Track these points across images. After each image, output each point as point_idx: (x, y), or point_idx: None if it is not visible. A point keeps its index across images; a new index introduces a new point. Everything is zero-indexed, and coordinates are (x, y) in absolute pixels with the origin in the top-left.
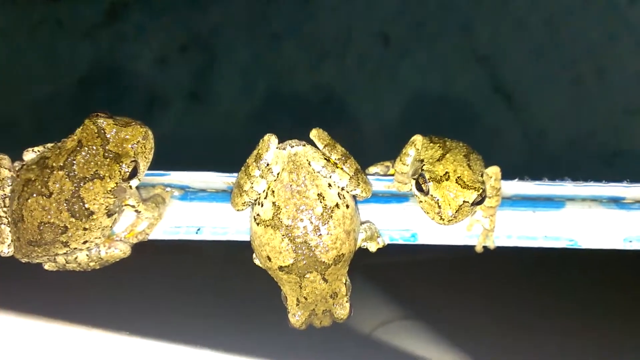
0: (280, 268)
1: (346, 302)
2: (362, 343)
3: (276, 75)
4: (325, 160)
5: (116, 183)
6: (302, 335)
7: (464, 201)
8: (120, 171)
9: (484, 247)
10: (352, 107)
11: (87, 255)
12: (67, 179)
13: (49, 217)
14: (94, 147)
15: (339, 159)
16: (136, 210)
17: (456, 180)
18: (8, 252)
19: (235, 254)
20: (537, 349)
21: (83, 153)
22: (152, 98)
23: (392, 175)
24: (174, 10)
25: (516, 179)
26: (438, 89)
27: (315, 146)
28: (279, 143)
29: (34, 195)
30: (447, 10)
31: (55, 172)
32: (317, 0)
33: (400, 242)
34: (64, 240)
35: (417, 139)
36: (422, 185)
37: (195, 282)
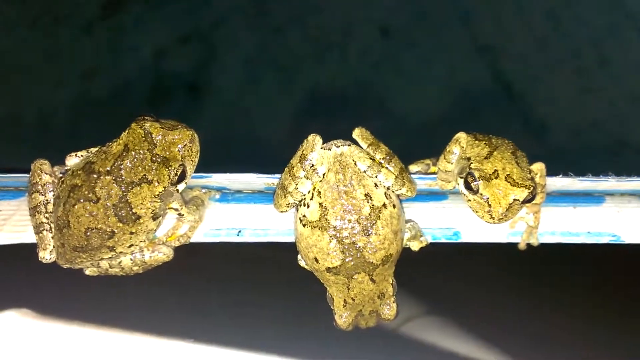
0: (328, 269)
1: (393, 302)
2: (389, 339)
3: (280, 67)
4: (371, 160)
5: (164, 187)
6: (328, 333)
7: (514, 199)
8: (168, 175)
9: (527, 244)
10: (356, 98)
11: (131, 259)
12: (115, 184)
13: (97, 222)
14: (142, 152)
15: (383, 158)
16: (179, 214)
17: (505, 178)
18: (50, 258)
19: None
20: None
21: (130, 157)
22: (153, 90)
23: (433, 173)
24: (175, 2)
25: (560, 175)
26: (440, 80)
27: (359, 145)
28: (320, 142)
29: (81, 201)
30: (450, 1)
31: (102, 177)
32: None
33: (443, 240)
34: (111, 245)
35: (462, 136)
36: (472, 184)
37: (233, 285)
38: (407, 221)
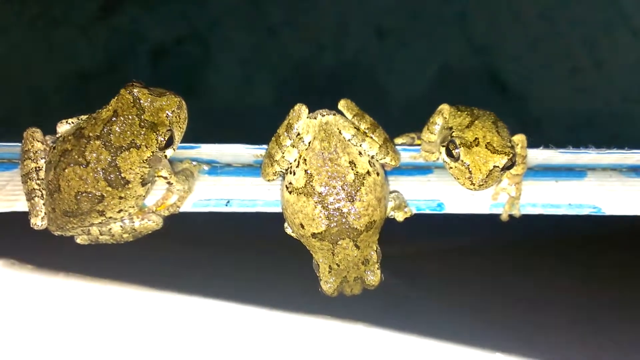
0: (313, 235)
1: (377, 268)
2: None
3: (274, 67)
4: (355, 129)
5: (152, 152)
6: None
7: (494, 166)
8: (156, 140)
9: (510, 215)
10: (350, 93)
11: (121, 226)
12: (104, 149)
13: (86, 186)
14: (130, 117)
15: (368, 128)
16: (168, 182)
17: (486, 145)
18: (42, 224)
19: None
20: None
21: (119, 123)
22: None
23: (419, 145)
24: (171, 4)
25: (541, 147)
26: (435, 80)
27: (344, 116)
28: (306, 111)
29: (71, 165)
30: (444, 2)
31: (92, 141)
32: None
33: (427, 211)
34: (100, 209)
35: (445, 107)
36: (453, 151)
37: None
38: (391, 192)
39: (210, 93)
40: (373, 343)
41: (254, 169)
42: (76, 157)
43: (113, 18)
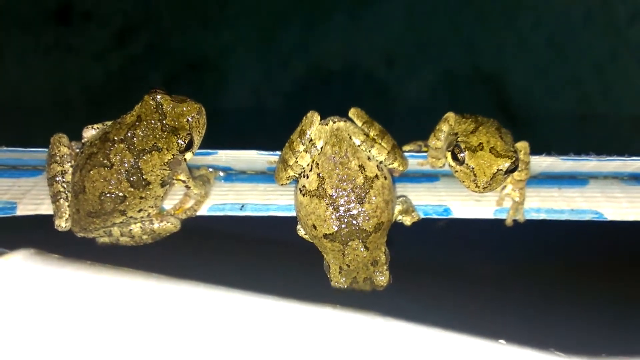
0: (325, 236)
1: (386, 270)
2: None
3: (285, 93)
4: (365, 136)
5: (173, 155)
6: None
7: (498, 169)
8: (177, 143)
9: (514, 220)
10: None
11: (141, 227)
12: (128, 151)
13: (110, 187)
14: (153, 122)
15: (377, 135)
16: (186, 186)
17: (490, 150)
18: (66, 226)
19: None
20: None
21: (143, 127)
22: None
23: (425, 152)
24: (184, 32)
25: (544, 154)
26: (443, 108)
27: (355, 123)
28: (318, 118)
29: (96, 167)
30: (452, 30)
31: (116, 145)
32: (323, 22)
33: (434, 216)
34: (122, 209)
35: (450, 115)
36: (458, 155)
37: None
38: (398, 196)
39: (222, 112)
40: (387, 333)
41: (267, 176)
42: (101, 159)
43: (127, 46)
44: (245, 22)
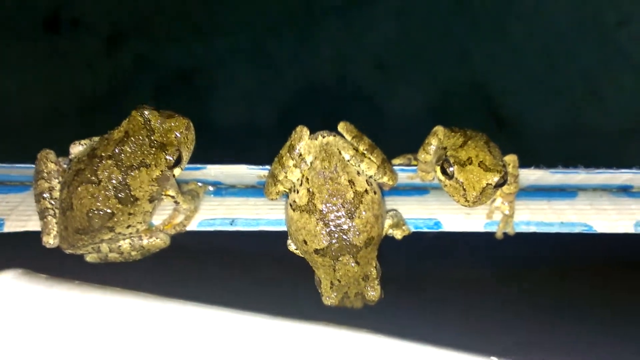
0: (316, 251)
1: (377, 284)
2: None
3: (276, 98)
4: (354, 150)
5: (161, 171)
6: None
7: (487, 183)
8: (165, 159)
9: (504, 233)
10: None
11: (130, 244)
12: (115, 168)
13: (98, 204)
14: (141, 137)
15: (366, 149)
16: (175, 201)
17: (479, 164)
18: (53, 242)
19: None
20: None
21: (130, 143)
22: None
23: (415, 166)
24: (175, 41)
25: (532, 167)
26: (435, 113)
27: (344, 138)
28: (307, 132)
29: (84, 183)
30: (444, 37)
31: (104, 161)
32: (315, 30)
33: (425, 230)
34: (110, 226)
35: (439, 129)
36: (447, 169)
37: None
38: (389, 210)
39: (214, 126)
40: (379, 350)
41: (256, 190)
42: (89, 176)
43: (117, 54)
44: (237, 31)
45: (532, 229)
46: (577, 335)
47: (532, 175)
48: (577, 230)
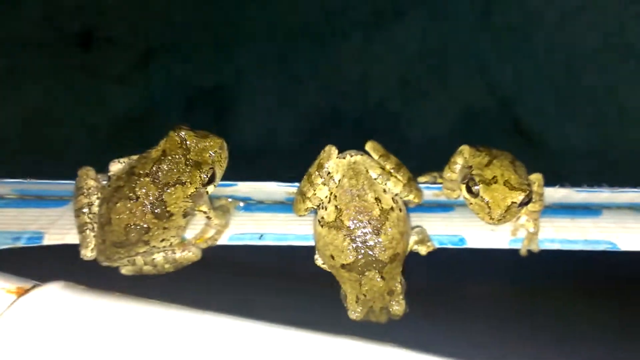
0: (343, 266)
1: (402, 299)
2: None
3: (300, 115)
4: (381, 169)
5: (196, 188)
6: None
7: (512, 202)
8: (200, 177)
9: (528, 250)
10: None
11: (163, 256)
12: (153, 185)
13: (135, 219)
14: (177, 156)
15: (392, 168)
16: (207, 217)
17: (504, 183)
18: (91, 255)
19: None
20: None
21: (167, 161)
22: None
23: (441, 183)
24: (201, 55)
25: (557, 185)
26: (459, 131)
27: (371, 157)
28: (336, 152)
29: (122, 199)
30: (467, 53)
31: (142, 178)
32: (335, 44)
33: (449, 246)
34: (146, 240)
35: (465, 148)
36: (472, 188)
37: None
38: (414, 227)
39: (239, 139)
40: None
41: (285, 205)
42: (127, 192)
43: (146, 70)
44: (260, 45)
45: (556, 246)
46: (601, 352)
47: (557, 194)
48: (601, 247)
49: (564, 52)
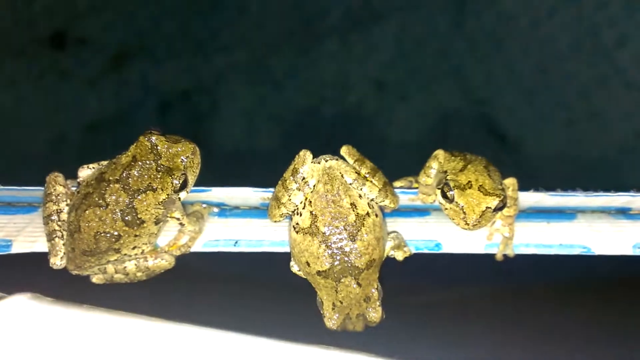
0: (318, 273)
1: (378, 305)
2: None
3: (278, 118)
4: (356, 174)
5: (167, 195)
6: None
7: (486, 207)
8: (172, 183)
9: (504, 255)
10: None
11: (135, 265)
12: (123, 191)
13: (105, 226)
14: (148, 162)
15: (368, 172)
16: (180, 223)
17: (478, 188)
18: (60, 264)
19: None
20: None
21: (138, 167)
22: None
23: (416, 188)
24: (177, 58)
25: (531, 190)
26: (433, 130)
27: (346, 161)
28: (310, 156)
29: (92, 206)
30: (442, 56)
31: (111, 185)
32: (316, 49)
33: (425, 251)
34: (117, 247)
35: (440, 153)
36: (447, 193)
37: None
38: (390, 232)
39: (216, 143)
40: None
41: (260, 211)
42: (97, 199)
43: (120, 73)
44: (238, 49)
45: (532, 250)
46: (576, 353)
47: (531, 198)
48: (576, 251)
49: (536, 55)
